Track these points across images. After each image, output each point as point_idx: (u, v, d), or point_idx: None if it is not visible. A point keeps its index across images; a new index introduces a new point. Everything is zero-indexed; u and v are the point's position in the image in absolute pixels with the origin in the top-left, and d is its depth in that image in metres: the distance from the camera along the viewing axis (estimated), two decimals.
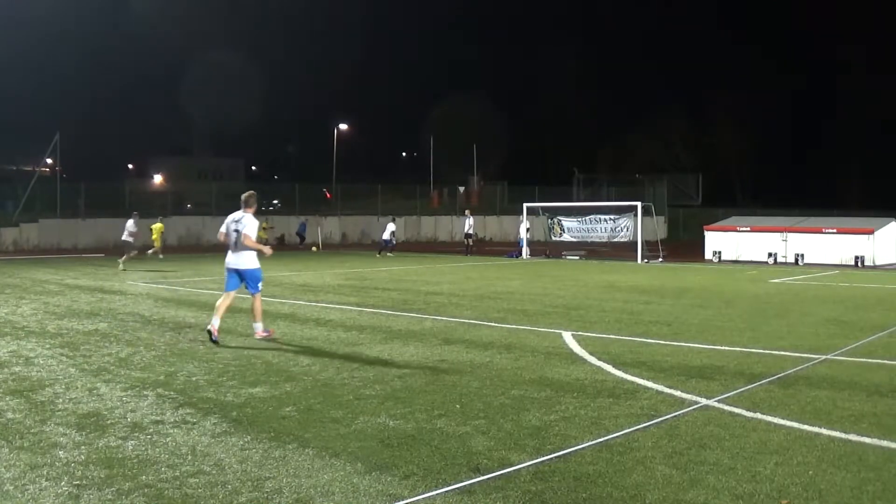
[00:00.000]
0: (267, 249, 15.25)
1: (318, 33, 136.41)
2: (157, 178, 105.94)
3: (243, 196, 15.06)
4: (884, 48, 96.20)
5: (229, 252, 14.92)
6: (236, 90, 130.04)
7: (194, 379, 11.32)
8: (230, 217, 14.97)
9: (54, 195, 53.62)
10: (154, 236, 41.27)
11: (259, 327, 15.12)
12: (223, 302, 14.87)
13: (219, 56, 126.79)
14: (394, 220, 46.57)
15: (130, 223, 34.93)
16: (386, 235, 44.77)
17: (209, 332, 14.48)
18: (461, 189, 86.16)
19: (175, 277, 29.08)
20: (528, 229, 44.63)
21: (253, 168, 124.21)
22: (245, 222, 14.69)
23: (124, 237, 34.55)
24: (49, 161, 63.22)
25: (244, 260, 14.85)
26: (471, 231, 46.35)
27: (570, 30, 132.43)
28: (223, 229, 14.99)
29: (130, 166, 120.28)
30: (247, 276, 14.92)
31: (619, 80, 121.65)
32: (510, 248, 47.49)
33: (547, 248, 44.77)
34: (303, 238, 54.41)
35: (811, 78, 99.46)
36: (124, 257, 33.47)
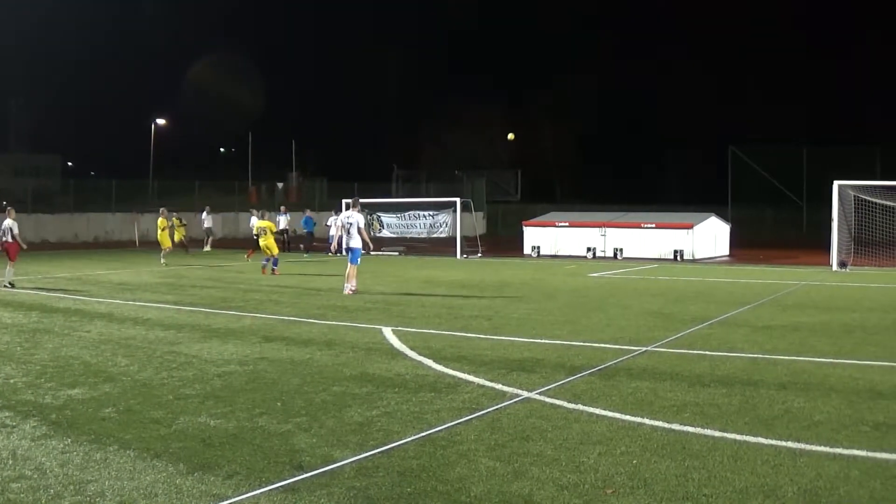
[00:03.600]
0: (369, 244, 23.81)
1: (132, 27, 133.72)
2: None
3: (351, 200, 24.58)
4: (704, 46, 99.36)
5: (345, 238, 22.65)
6: (54, 84, 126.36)
7: (12, 381, 11.10)
8: (343, 214, 24.72)
9: None
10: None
11: (347, 287, 22.16)
12: (348, 271, 22.34)
13: (34, 49, 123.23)
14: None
15: None
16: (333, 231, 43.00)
17: (354, 291, 22.06)
18: (280, 185, 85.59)
19: None
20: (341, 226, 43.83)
21: (69, 164, 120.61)
22: (354, 217, 22.48)
23: None
24: None
25: (354, 242, 22.30)
26: (286, 227, 45.51)
27: (390, 28, 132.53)
28: (338, 223, 24.69)
29: None
30: (353, 252, 22.27)
31: (438, 77, 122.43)
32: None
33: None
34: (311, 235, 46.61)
35: (630, 76, 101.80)
36: None
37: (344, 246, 23.09)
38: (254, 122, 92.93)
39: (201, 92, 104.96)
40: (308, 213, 45.41)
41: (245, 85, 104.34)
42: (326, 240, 42.89)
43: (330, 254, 42.73)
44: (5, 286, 23.92)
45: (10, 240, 24.81)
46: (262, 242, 30.09)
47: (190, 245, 42.41)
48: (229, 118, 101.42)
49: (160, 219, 37.68)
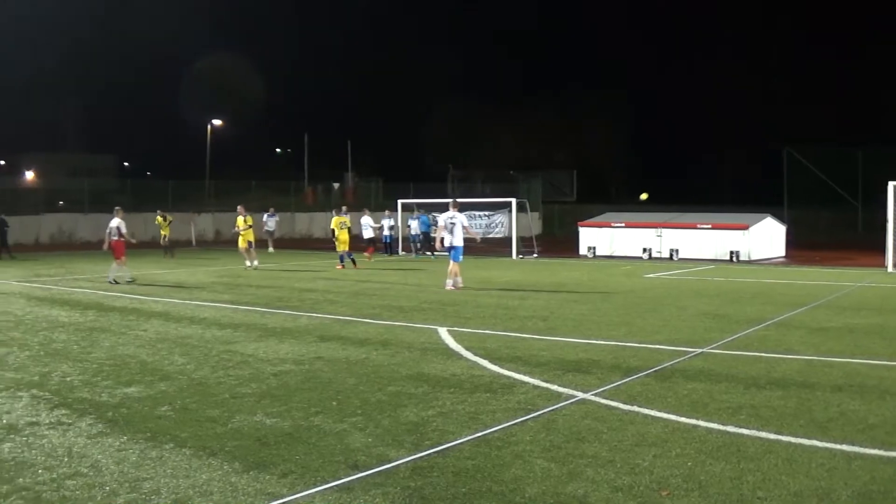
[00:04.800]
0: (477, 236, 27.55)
1: (189, 29, 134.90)
2: (29, 175, 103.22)
3: (450, 201, 25.04)
4: (755, 46, 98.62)
5: (446, 235, 23.71)
6: (110, 86, 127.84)
7: (69, 379, 11.18)
8: (446, 214, 24.10)
9: None
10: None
11: (449, 283, 23.49)
12: (451, 268, 23.62)
13: (90, 51, 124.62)
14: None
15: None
16: (386, 231, 42.87)
17: (460, 286, 23.52)
18: (335, 185, 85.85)
19: (48, 276, 28.54)
20: (391, 227, 43.42)
21: (125, 164, 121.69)
22: (457, 218, 23.81)
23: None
24: None
25: (458, 240, 23.62)
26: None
27: (443, 29, 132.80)
28: (441, 223, 24.34)
29: (2, 163, 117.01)
30: (456, 250, 23.58)
31: (490, 78, 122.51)
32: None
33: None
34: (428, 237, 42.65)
35: (684, 75, 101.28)
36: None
37: (446, 244, 23.99)
38: (310, 123, 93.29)
39: (257, 92, 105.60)
40: (423, 212, 43.33)
41: (301, 85, 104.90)
42: (381, 239, 42.84)
43: (406, 253, 42.76)
44: (127, 281, 25.65)
45: (117, 238, 26.06)
46: (338, 238, 33.20)
47: (252, 250, 36.63)
48: (285, 118, 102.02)
49: (238, 217, 32.90)
